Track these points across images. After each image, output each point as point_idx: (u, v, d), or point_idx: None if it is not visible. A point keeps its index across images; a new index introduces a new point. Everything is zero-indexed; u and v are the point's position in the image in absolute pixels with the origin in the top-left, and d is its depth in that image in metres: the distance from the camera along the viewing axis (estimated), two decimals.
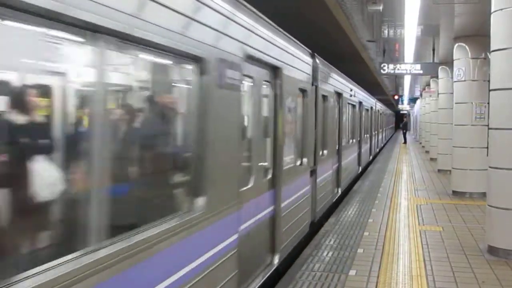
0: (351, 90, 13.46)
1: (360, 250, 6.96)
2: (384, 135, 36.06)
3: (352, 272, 5.99)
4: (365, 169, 18.15)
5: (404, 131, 39.91)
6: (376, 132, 25.38)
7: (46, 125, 2.48)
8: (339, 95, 11.18)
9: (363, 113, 17.58)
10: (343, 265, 6.27)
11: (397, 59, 17.26)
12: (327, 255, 6.73)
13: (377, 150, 26.88)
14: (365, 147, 18.26)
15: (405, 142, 37.04)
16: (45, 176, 2.40)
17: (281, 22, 6.15)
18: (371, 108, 21.72)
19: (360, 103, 16.14)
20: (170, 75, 3.74)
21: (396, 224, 8.74)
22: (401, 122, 46.55)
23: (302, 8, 11.62)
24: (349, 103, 13.28)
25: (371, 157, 21.60)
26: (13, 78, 2.24)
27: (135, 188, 3.10)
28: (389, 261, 6.45)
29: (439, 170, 17.00)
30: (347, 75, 13.11)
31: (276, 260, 5.77)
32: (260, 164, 5.25)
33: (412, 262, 6.43)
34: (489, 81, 7.48)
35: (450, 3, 9.17)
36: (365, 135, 18.67)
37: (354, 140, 14.71)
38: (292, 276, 5.88)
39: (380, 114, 30.06)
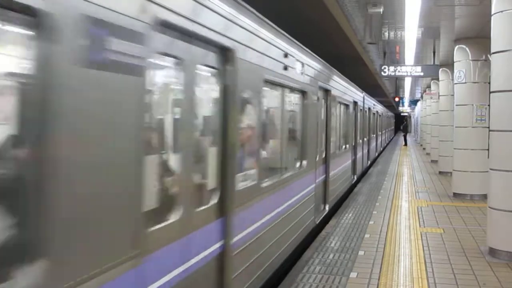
0: (285, 55, 6.12)
1: (361, 252, 6.95)
2: (381, 140, 29.90)
3: (353, 275, 5.98)
4: (343, 199, 11.85)
5: (405, 133, 39.94)
6: (367, 138, 18.92)
7: None
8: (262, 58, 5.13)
9: (339, 111, 11.56)
10: (344, 267, 6.27)
11: (398, 61, 17.27)
12: (328, 257, 6.72)
13: (368, 162, 19.98)
14: (341, 166, 11.73)
15: (405, 144, 37.06)
16: None
17: (281, 23, 6.16)
18: (356, 103, 14.69)
19: (327, 92, 9.52)
20: None
21: (397, 226, 8.74)
22: (401, 124, 46.56)
23: (302, 8, 11.65)
24: (283, 86, 6.35)
25: (355, 178, 14.65)
26: None
27: None
28: (390, 263, 6.45)
29: (440, 172, 17.00)
30: (348, 77, 13.04)
31: None
32: None
33: (413, 264, 6.43)
34: (489, 83, 7.48)
35: (451, 5, 9.18)
36: (344, 146, 12.46)
37: (306, 162, 7.42)
38: (293, 278, 5.88)
39: (374, 114, 22.98)
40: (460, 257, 6.86)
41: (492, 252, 6.90)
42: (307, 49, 7.67)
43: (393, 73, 15.82)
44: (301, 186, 7.21)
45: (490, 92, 7.35)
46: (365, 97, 17.88)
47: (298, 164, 7.23)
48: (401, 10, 9.74)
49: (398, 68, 15.76)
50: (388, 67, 15.80)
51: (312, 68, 8.00)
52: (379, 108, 27.67)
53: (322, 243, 7.50)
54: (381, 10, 9.25)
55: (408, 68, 15.81)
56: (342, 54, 17.00)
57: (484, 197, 9.83)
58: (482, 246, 7.34)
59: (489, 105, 7.89)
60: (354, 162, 14.39)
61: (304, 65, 7.26)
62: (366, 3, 9.21)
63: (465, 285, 5.73)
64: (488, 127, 7.71)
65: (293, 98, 7.25)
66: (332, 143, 10.11)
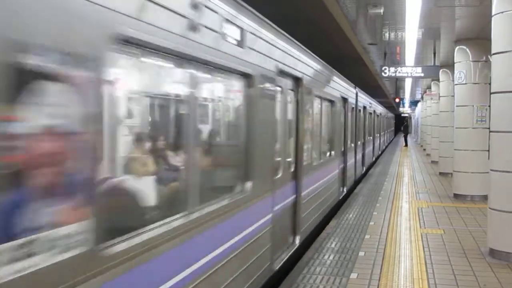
0: (194, 6, 3.47)
1: (361, 253, 6.94)
2: (379, 142, 27.31)
3: (353, 275, 5.98)
4: (328, 220, 9.44)
5: (405, 134, 39.94)
6: (361, 141, 16.76)
7: None
8: None
9: (319, 108, 9.05)
10: (344, 268, 6.26)
11: (398, 62, 17.29)
12: (328, 258, 6.72)
13: (364, 169, 17.73)
14: (324, 179, 9.19)
15: (406, 145, 37.07)
16: None
17: (281, 23, 6.16)
18: (345, 100, 12.12)
19: (297, 81, 6.91)
20: None
21: (398, 227, 8.73)
22: (401, 125, 46.59)
23: (302, 8, 11.65)
24: (190, 60, 3.52)
25: (345, 190, 12.22)
26: None
27: None
28: (391, 264, 6.44)
29: (440, 173, 16.99)
30: (348, 78, 13.01)
31: None
32: None
33: (414, 265, 6.42)
34: (490, 84, 7.49)
35: (451, 5, 9.18)
36: (328, 153, 10.05)
37: (252, 185, 4.78)
38: (293, 279, 5.87)
39: (370, 114, 20.55)
40: (461, 258, 6.85)
41: (493, 253, 6.89)
42: (256, 12, 4.88)
43: (393, 74, 15.82)
44: (239, 225, 4.53)
45: (490, 93, 7.34)
46: (359, 93, 15.35)
47: (237, 189, 4.63)
48: (401, 10, 9.74)
49: (399, 69, 15.76)
50: (389, 68, 15.79)
51: (266, 41, 5.26)
52: (377, 107, 24.86)
53: (322, 243, 7.49)
54: (382, 10, 9.25)
55: (409, 69, 15.80)
56: (342, 55, 17.00)
57: (485, 198, 9.80)
58: (482, 247, 7.33)
59: (489, 106, 7.88)
60: (343, 171, 11.88)
61: (245, 32, 4.52)
62: (367, 4, 9.21)
63: (465, 286, 5.72)
64: (489, 128, 7.70)
65: (220, 84, 4.84)
66: (307, 151, 7.59)
